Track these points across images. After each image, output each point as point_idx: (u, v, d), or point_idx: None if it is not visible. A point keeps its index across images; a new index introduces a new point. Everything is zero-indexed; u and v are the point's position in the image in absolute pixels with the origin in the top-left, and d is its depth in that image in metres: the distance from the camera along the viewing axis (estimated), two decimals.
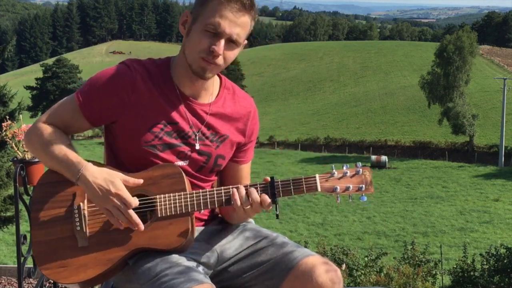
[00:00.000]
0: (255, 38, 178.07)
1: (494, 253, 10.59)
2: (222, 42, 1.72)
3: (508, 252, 10.46)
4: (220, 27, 1.71)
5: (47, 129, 1.80)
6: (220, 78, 1.94)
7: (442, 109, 49.78)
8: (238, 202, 1.75)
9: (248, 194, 1.76)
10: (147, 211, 1.78)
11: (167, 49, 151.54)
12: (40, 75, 65.77)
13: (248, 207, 1.76)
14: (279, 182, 1.78)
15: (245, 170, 2.00)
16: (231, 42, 1.75)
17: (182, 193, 1.77)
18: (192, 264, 1.77)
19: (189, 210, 1.76)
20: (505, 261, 10.26)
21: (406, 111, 64.37)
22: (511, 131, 50.31)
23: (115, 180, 1.71)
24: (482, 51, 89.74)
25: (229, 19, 1.71)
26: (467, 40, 50.83)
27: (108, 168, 1.79)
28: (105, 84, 1.78)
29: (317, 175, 1.79)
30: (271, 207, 1.77)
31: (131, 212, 1.70)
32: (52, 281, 3.62)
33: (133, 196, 1.76)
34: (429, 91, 50.76)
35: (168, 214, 1.75)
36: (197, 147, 1.84)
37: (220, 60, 1.75)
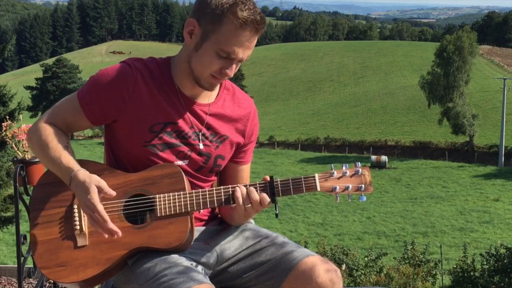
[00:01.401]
0: None
1: (494, 253, 10.58)
2: (234, 66, 1.76)
3: (508, 252, 10.44)
4: (235, 54, 1.72)
5: (46, 130, 1.81)
6: None
7: (442, 109, 49.78)
8: (240, 200, 1.76)
9: (248, 192, 1.77)
10: (146, 211, 1.78)
11: (167, 49, 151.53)
12: (40, 75, 65.77)
13: (249, 205, 1.76)
14: (279, 182, 1.78)
15: (245, 171, 2.00)
16: (240, 61, 1.78)
17: (181, 192, 1.77)
18: (192, 264, 1.77)
19: (189, 210, 1.76)
20: (505, 261, 10.24)
21: (406, 111, 64.38)
22: (511, 131, 50.32)
23: (91, 188, 1.67)
24: (482, 51, 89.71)
25: (244, 46, 1.73)
26: (467, 40, 50.83)
27: (104, 167, 1.81)
28: (107, 83, 1.78)
29: (316, 175, 1.79)
30: (270, 205, 1.78)
31: (108, 224, 1.67)
32: (52, 281, 3.63)
33: (132, 196, 1.77)
34: (429, 91, 50.74)
35: (167, 213, 1.75)
36: (200, 146, 1.85)
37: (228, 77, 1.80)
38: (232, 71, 1.76)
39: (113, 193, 1.70)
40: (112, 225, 1.68)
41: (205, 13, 1.72)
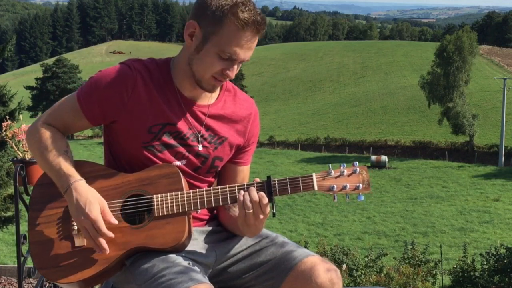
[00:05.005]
0: None
1: (494, 253, 10.55)
2: (236, 66, 1.76)
3: (508, 252, 10.42)
4: (236, 55, 1.73)
5: (45, 132, 1.80)
6: None
7: (442, 109, 49.79)
8: (242, 203, 1.73)
9: (249, 192, 1.74)
10: (144, 211, 1.78)
11: (167, 49, 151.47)
12: (40, 75, 65.84)
13: (249, 206, 1.72)
14: (276, 181, 1.77)
15: (245, 172, 1.99)
16: (241, 62, 1.78)
17: (179, 192, 1.77)
18: (190, 264, 1.77)
19: (186, 210, 1.76)
20: (505, 261, 10.22)
21: (406, 111, 64.39)
22: (511, 131, 50.31)
23: (94, 205, 1.70)
24: (482, 51, 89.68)
25: (245, 47, 1.73)
26: (467, 40, 50.84)
27: (102, 168, 1.81)
28: (107, 84, 1.78)
29: (314, 174, 1.78)
30: (268, 208, 1.75)
31: (100, 240, 1.70)
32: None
33: (129, 196, 1.77)
34: (429, 91, 50.76)
35: (164, 213, 1.75)
36: (200, 148, 1.84)
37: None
38: (233, 72, 1.76)
39: (115, 221, 1.73)
40: (104, 242, 1.71)
41: (206, 15, 1.72)
